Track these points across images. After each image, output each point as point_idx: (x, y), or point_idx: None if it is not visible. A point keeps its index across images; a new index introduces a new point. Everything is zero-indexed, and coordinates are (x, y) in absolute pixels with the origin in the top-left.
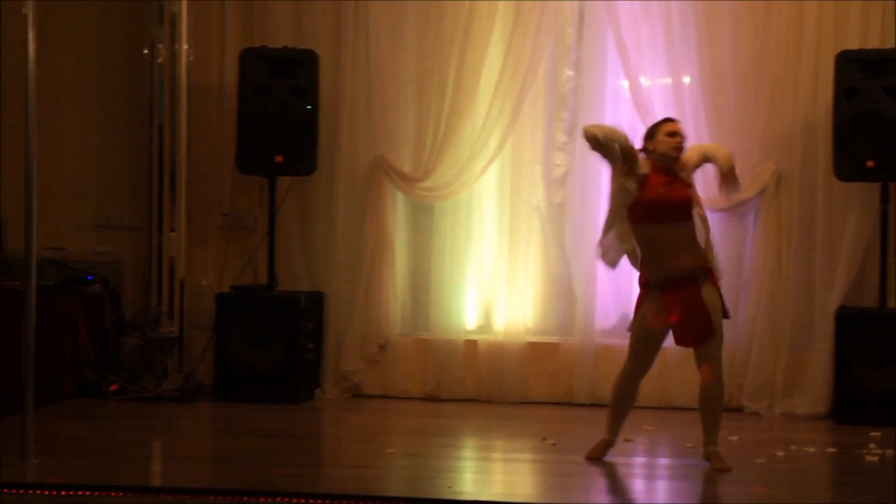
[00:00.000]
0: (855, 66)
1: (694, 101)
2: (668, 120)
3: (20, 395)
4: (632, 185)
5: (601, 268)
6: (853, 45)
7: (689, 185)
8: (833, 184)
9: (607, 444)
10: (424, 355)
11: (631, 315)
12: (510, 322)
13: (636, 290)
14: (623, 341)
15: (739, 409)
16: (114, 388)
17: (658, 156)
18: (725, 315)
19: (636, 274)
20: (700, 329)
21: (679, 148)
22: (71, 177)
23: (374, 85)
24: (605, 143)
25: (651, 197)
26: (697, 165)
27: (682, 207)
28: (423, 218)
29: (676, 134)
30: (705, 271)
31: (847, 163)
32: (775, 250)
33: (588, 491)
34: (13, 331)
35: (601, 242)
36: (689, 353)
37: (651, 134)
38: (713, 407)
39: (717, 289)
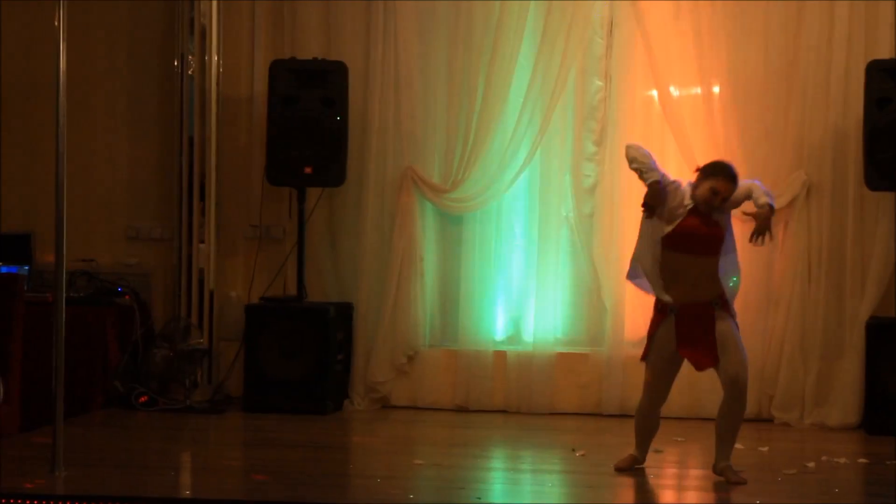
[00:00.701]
0: (886, 76)
1: (723, 111)
2: (721, 176)
3: (50, 406)
4: (667, 228)
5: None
6: (884, 54)
7: (722, 227)
8: (863, 193)
9: (635, 460)
10: (453, 366)
11: None
12: (539, 333)
13: None
14: None
15: (769, 420)
16: (143, 399)
17: (695, 198)
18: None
19: None
20: (708, 352)
21: (713, 208)
22: (101, 188)
23: (403, 96)
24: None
25: (685, 227)
26: (742, 199)
27: (711, 241)
28: (453, 229)
29: (718, 194)
30: (720, 301)
31: (877, 172)
32: (805, 260)
33: (617, 503)
34: (43, 342)
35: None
36: None
37: (703, 175)
38: (731, 425)
39: (732, 318)
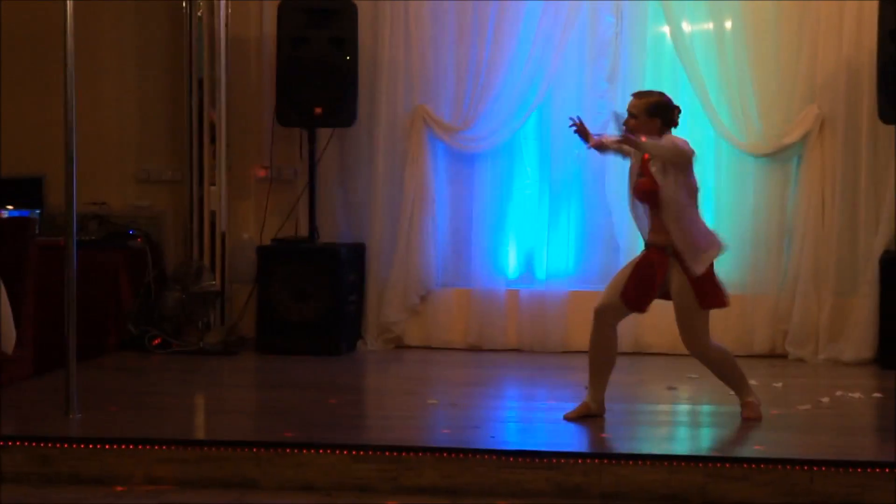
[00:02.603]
0: None
1: (736, 47)
2: (633, 95)
3: (63, 350)
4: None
5: None
6: None
7: (656, 182)
8: (877, 127)
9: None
10: (466, 306)
11: None
12: (552, 271)
13: None
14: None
15: (783, 356)
16: (156, 341)
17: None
18: (707, 304)
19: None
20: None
21: (631, 130)
22: (111, 132)
23: (412, 34)
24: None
25: (631, 173)
26: (668, 156)
27: (644, 192)
28: (464, 168)
29: (629, 112)
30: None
31: (891, 105)
32: (819, 195)
33: (631, 439)
34: (56, 286)
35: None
36: (731, 300)
37: None
38: (720, 371)
39: (694, 282)
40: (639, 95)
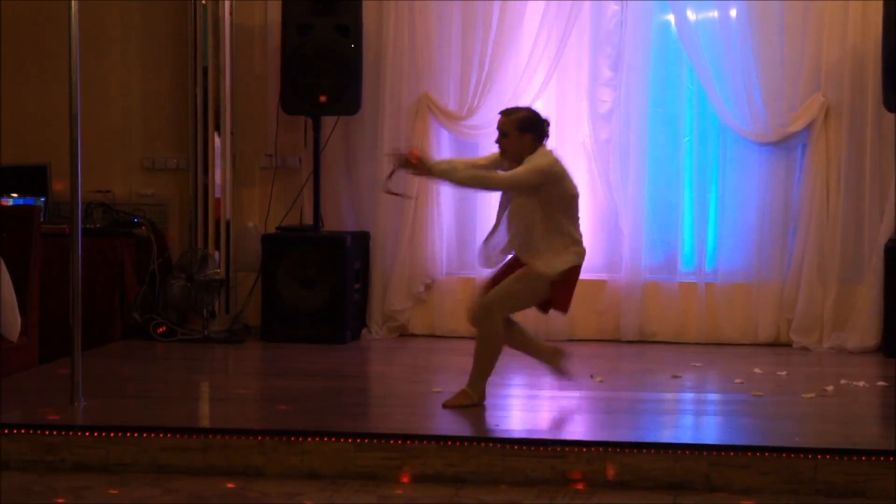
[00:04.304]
0: None
1: (741, 34)
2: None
3: (68, 337)
4: None
5: (648, 205)
6: None
7: None
8: (882, 115)
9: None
10: (471, 294)
11: (677, 253)
12: None
13: (683, 228)
14: (671, 277)
15: (788, 345)
16: (161, 330)
17: None
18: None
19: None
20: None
21: (503, 150)
22: (116, 119)
23: (417, 22)
24: None
25: None
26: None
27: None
28: (469, 155)
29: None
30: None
31: None
32: (823, 183)
33: (636, 428)
34: (61, 274)
35: None
36: (735, 289)
37: None
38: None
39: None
40: (507, 113)
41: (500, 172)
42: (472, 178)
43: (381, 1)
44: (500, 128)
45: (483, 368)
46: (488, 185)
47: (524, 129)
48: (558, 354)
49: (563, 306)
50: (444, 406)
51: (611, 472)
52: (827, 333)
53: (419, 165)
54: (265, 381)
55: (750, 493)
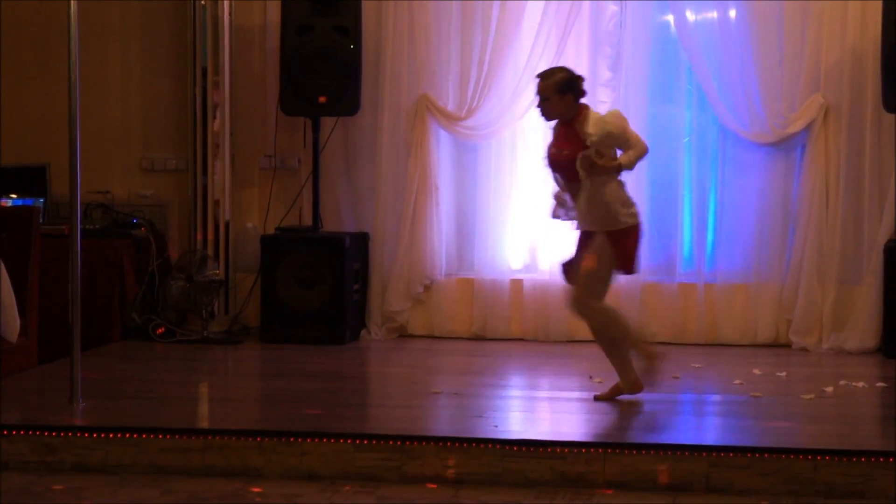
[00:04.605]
0: None
1: (740, 35)
2: (538, 77)
3: (67, 338)
4: None
5: (647, 205)
6: None
7: (572, 151)
8: (882, 116)
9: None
10: (470, 295)
11: (676, 254)
12: (556, 261)
13: (683, 228)
14: (670, 278)
15: (787, 345)
16: (160, 330)
17: None
18: (626, 270)
19: (683, 214)
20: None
21: (545, 116)
22: (115, 120)
23: (417, 23)
24: None
25: (548, 149)
26: (605, 138)
27: (564, 163)
28: (468, 157)
29: (539, 96)
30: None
31: None
32: (823, 184)
33: (635, 429)
34: (60, 275)
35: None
36: (734, 290)
37: None
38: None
39: (600, 248)
40: (544, 77)
41: (630, 151)
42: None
43: (380, 2)
44: (539, 93)
45: (619, 355)
46: (641, 157)
47: (563, 90)
48: (656, 356)
49: (628, 265)
50: (596, 399)
51: (610, 474)
52: (826, 334)
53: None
54: (264, 382)
55: (749, 494)
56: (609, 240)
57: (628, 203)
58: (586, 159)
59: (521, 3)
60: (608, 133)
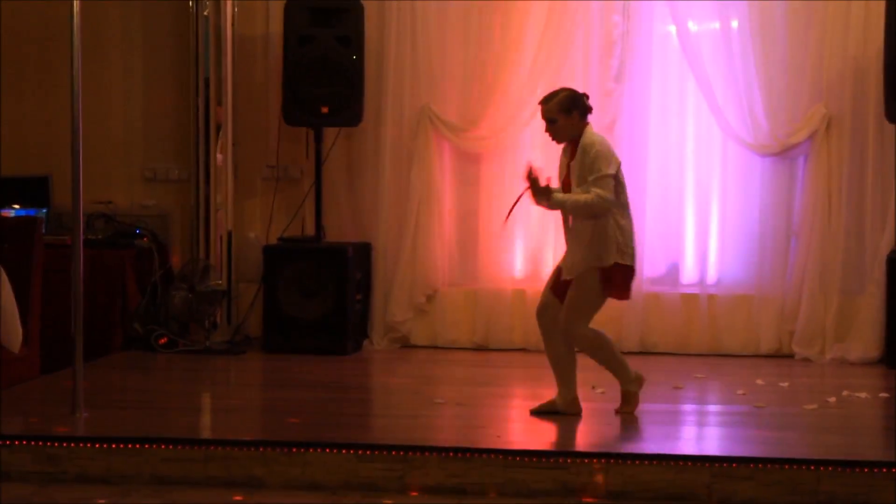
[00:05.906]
0: None
1: (742, 46)
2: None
3: (70, 348)
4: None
5: (650, 216)
6: None
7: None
8: (884, 126)
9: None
10: (472, 305)
11: (679, 264)
12: None
13: (685, 239)
14: (673, 289)
15: (790, 356)
16: (163, 340)
17: None
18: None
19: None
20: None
21: (554, 138)
22: (117, 131)
23: (419, 33)
24: None
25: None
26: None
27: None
28: (470, 167)
29: (544, 118)
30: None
31: None
32: (825, 194)
33: (638, 439)
34: (62, 285)
35: None
36: (737, 300)
37: None
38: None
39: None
40: (546, 100)
41: (594, 191)
42: (578, 204)
43: (382, 12)
44: (545, 116)
45: (617, 368)
46: (593, 209)
47: (568, 108)
48: (638, 379)
49: (617, 295)
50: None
51: (613, 484)
52: (829, 344)
53: (542, 190)
54: (266, 393)
55: None
56: (598, 274)
57: (620, 246)
58: (535, 181)
59: (524, 13)
60: (584, 153)
